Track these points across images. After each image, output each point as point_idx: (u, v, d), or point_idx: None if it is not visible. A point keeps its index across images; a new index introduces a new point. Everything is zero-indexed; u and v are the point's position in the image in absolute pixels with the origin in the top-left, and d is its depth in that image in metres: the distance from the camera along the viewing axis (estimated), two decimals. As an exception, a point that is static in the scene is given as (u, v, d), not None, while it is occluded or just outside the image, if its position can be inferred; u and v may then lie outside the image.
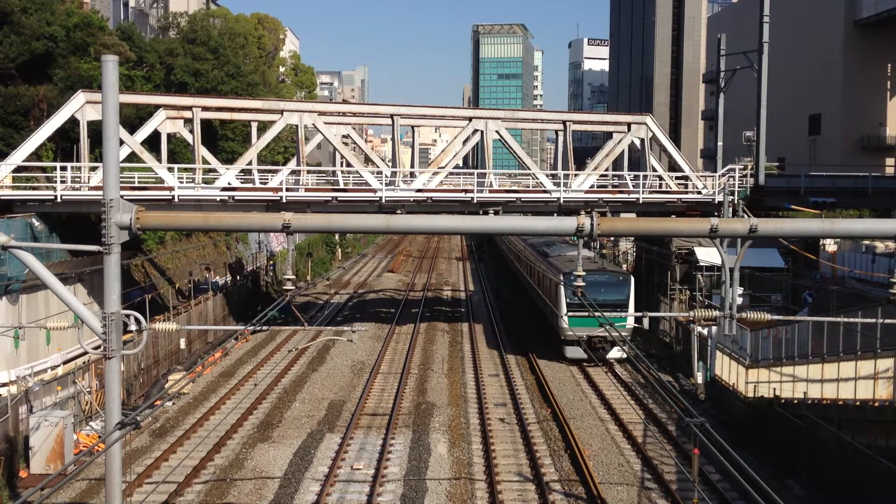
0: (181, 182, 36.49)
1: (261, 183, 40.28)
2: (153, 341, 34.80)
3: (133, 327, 12.53)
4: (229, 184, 37.22)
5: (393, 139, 42.07)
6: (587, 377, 35.74)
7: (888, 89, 68.90)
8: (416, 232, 14.71)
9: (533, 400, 31.95)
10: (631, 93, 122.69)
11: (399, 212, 36.17)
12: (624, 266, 51.90)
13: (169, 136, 39.67)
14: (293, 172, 39.00)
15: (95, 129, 35.13)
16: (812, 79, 72.23)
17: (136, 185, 38.16)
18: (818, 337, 23.97)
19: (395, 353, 40.56)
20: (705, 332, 33.33)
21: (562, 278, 37.41)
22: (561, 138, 41.57)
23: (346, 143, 48.82)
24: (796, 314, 32.21)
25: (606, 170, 41.69)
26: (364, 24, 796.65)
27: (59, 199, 33.65)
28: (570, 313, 36.53)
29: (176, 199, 35.06)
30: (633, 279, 39.56)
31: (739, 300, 19.93)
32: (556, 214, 36.87)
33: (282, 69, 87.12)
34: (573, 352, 37.22)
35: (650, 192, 40.26)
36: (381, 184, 37.48)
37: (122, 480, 12.29)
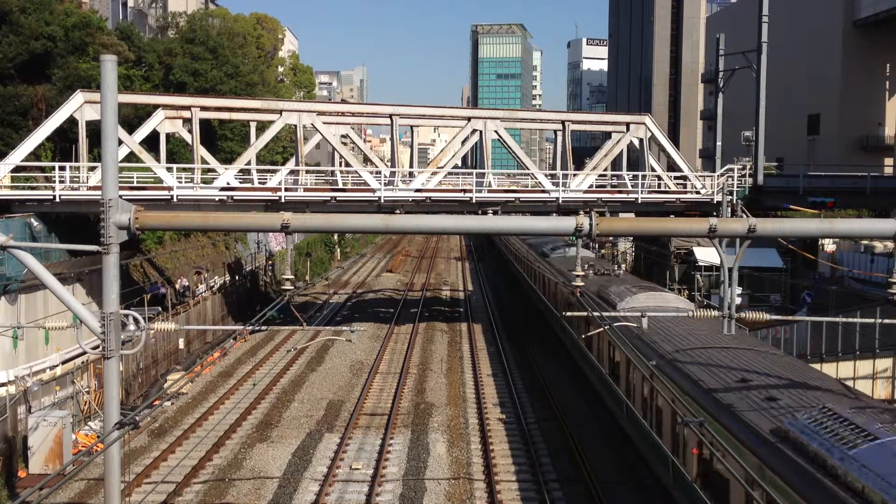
0: (180, 182, 36.50)
1: (259, 183, 40.28)
2: (152, 341, 34.79)
3: (132, 327, 12.50)
4: (228, 184, 37.22)
5: (392, 139, 42.07)
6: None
7: (887, 89, 68.90)
8: (415, 232, 14.68)
9: (532, 399, 31.92)
10: (630, 93, 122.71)
11: (398, 211, 36.16)
12: (623, 266, 51.75)
13: (168, 135, 39.65)
14: (292, 172, 39.00)
15: (94, 129, 35.15)
16: (811, 79, 72.26)
17: (135, 184, 38.19)
18: (817, 337, 24.01)
19: (394, 353, 40.53)
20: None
21: None
22: (560, 138, 41.57)
23: (344, 143, 48.81)
24: (795, 314, 32.20)
25: (605, 170, 41.71)
26: (363, 24, 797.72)
27: (57, 199, 33.67)
28: None
29: (175, 199, 35.07)
30: None
31: (738, 300, 19.93)
32: (554, 214, 36.88)
33: (280, 69, 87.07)
34: None
35: (649, 192, 40.28)
36: (380, 184, 37.49)
37: (121, 480, 12.27)
